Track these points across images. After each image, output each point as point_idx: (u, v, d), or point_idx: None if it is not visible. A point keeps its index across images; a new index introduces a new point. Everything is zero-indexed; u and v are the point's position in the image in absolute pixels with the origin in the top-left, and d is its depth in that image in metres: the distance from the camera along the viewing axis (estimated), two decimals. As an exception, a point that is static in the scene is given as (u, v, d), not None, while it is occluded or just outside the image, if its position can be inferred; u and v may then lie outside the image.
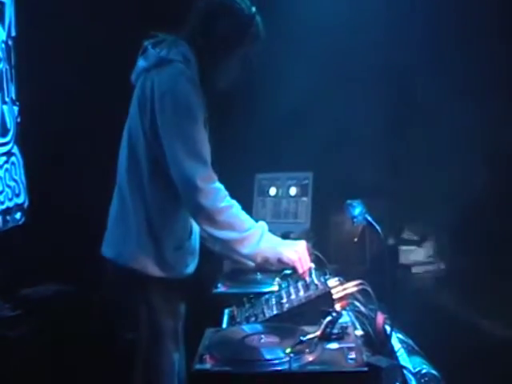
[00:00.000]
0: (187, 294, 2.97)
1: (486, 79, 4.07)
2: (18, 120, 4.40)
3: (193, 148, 2.61)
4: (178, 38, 2.78)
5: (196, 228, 2.88)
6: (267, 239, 2.70)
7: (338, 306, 2.40)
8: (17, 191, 4.31)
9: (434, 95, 4.16)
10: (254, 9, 2.78)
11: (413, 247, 4.19)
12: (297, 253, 2.69)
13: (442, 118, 4.17)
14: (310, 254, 2.91)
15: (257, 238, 2.67)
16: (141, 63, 2.81)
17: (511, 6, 4.03)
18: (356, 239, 2.62)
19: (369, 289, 2.43)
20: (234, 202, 2.69)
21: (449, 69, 4.09)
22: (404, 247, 4.15)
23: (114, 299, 2.84)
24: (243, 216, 2.70)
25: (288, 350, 1.98)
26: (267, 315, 2.43)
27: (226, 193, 2.69)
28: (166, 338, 2.77)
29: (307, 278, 2.64)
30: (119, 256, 2.77)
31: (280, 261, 2.70)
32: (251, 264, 3.03)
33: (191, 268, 2.88)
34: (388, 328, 2.30)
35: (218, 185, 2.67)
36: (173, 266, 2.77)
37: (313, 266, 2.74)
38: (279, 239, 2.76)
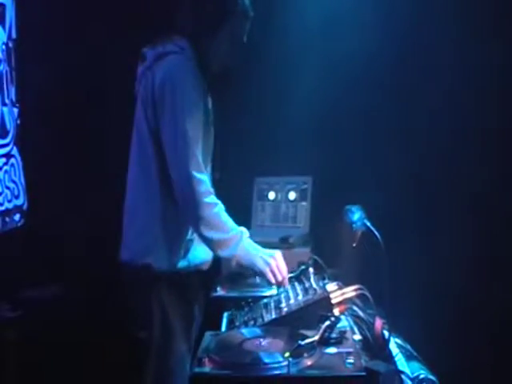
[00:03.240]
0: (201, 296, 2.98)
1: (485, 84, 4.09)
2: (18, 122, 4.40)
3: (185, 138, 2.65)
4: (171, 34, 2.82)
5: None
6: (244, 246, 2.72)
7: (336, 311, 2.41)
8: (16, 193, 4.31)
9: (439, 102, 4.17)
10: None
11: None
12: (269, 265, 2.71)
13: (445, 124, 4.18)
14: (309, 259, 2.92)
15: (234, 243, 2.70)
16: (141, 69, 2.85)
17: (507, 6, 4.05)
18: (355, 244, 2.62)
19: (367, 294, 2.44)
20: (219, 202, 2.72)
21: (454, 78, 4.10)
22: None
23: (128, 298, 2.83)
24: (225, 217, 2.73)
25: (287, 355, 1.99)
26: (266, 319, 2.44)
27: (211, 190, 2.72)
28: (177, 338, 2.77)
29: (287, 287, 2.68)
30: (134, 255, 2.79)
31: (253, 269, 2.73)
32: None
33: (205, 259, 2.88)
34: (386, 333, 2.30)
35: (204, 177, 2.69)
36: (184, 257, 2.78)
37: (311, 270, 2.76)
38: (257, 248, 2.77)
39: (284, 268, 2.74)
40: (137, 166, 2.82)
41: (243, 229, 2.76)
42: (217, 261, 3.19)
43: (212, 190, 2.73)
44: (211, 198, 2.69)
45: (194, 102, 2.69)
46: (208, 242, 2.72)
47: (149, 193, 2.77)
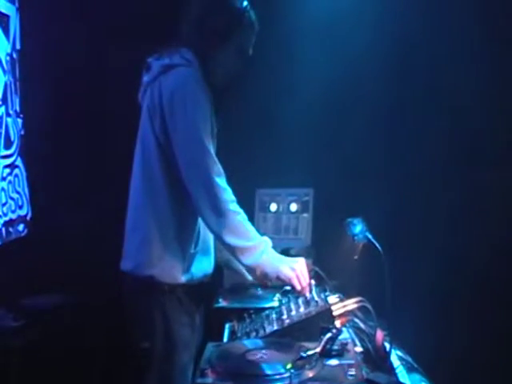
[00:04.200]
0: (202, 306, 2.98)
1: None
2: (22, 132, 4.42)
3: (203, 146, 2.66)
4: (177, 46, 2.82)
5: (207, 235, 2.88)
6: (269, 254, 2.71)
7: (338, 323, 2.42)
8: (20, 203, 4.32)
9: (442, 115, 4.19)
10: (245, 2, 2.82)
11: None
12: (295, 270, 2.69)
13: (449, 137, 4.19)
14: (310, 271, 2.93)
15: (259, 251, 2.69)
16: (145, 78, 2.86)
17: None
18: (356, 257, 2.64)
19: (369, 306, 2.45)
20: (241, 211, 2.73)
21: (452, 88, 4.11)
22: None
23: (131, 308, 2.83)
24: (249, 226, 2.72)
25: (288, 366, 2.00)
26: (268, 330, 2.45)
27: (234, 198, 2.72)
28: (179, 349, 2.77)
29: (307, 294, 2.66)
30: (137, 266, 2.79)
31: (278, 277, 2.71)
32: (249, 277, 3.08)
33: (207, 271, 2.89)
34: (387, 345, 2.31)
35: (226, 184, 2.71)
36: (188, 270, 2.78)
37: (313, 282, 2.77)
38: (280, 256, 2.76)
39: (306, 275, 2.73)
40: (141, 178, 2.82)
41: (266, 238, 2.76)
42: (219, 272, 3.22)
43: (234, 198, 2.73)
44: (235, 206, 2.70)
45: (205, 114, 2.70)
46: (232, 249, 2.70)
47: (154, 205, 2.77)
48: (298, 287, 2.69)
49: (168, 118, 2.70)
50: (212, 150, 2.70)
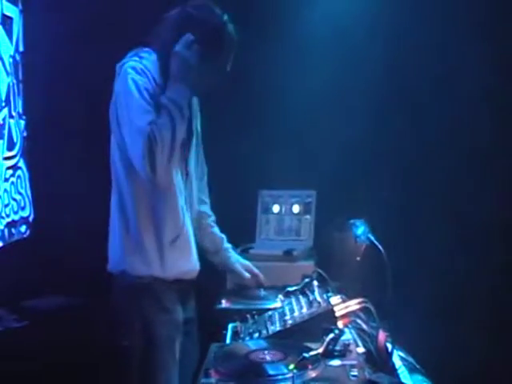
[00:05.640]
0: (189, 302, 2.98)
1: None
2: (25, 134, 4.44)
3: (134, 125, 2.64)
4: (142, 47, 2.85)
5: (190, 231, 2.90)
6: None
7: (340, 324, 2.43)
8: (22, 204, 4.33)
9: (444, 117, 4.20)
10: (225, 17, 2.80)
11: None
12: None
13: (452, 139, 4.20)
14: (313, 272, 2.95)
15: None
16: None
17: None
18: (359, 258, 2.65)
19: (371, 307, 2.45)
20: None
21: (463, 94, 4.13)
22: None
23: (113, 307, 2.87)
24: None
25: (291, 367, 2.00)
26: (270, 331, 2.45)
27: None
28: (160, 347, 2.77)
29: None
30: (112, 263, 2.84)
31: None
32: (247, 275, 3.13)
33: (185, 268, 2.88)
34: (389, 346, 2.32)
35: None
36: (160, 264, 2.78)
37: (316, 283, 2.78)
38: None
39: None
40: (112, 176, 2.89)
41: None
42: (222, 274, 3.24)
43: None
44: None
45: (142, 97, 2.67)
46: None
47: (120, 202, 2.82)
48: None
49: (119, 112, 2.75)
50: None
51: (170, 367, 2.80)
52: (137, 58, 2.78)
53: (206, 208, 3.21)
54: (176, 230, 2.83)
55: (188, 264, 2.90)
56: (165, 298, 2.81)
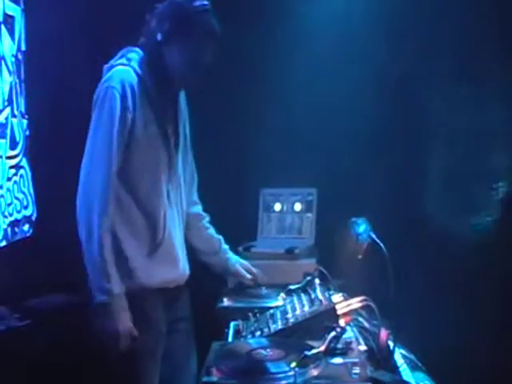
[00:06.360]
0: (178, 302, 2.96)
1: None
2: (27, 133, 4.44)
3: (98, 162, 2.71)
4: (129, 46, 2.85)
5: (175, 238, 2.87)
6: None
7: (342, 322, 2.44)
8: (25, 203, 4.34)
9: (444, 108, 4.20)
10: (204, 5, 2.77)
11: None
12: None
13: (451, 138, 4.21)
14: (315, 270, 2.96)
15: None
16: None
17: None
18: (360, 256, 2.65)
19: (372, 305, 2.46)
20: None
21: (456, 81, 4.13)
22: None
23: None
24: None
25: (293, 365, 2.02)
26: (272, 329, 2.47)
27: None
28: (142, 356, 2.74)
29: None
30: None
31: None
32: (248, 276, 3.16)
33: (169, 277, 2.85)
34: (391, 344, 2.33)
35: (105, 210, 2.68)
36: (143, 273, 2.75)
37: (317, 281, 2.78)
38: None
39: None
40: None
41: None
42: (222, 273, 3.24)
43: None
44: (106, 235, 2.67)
45: (119, 120, 2.68)
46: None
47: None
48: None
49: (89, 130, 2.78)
50: (111, 161, 2.68)
51: (151, 377, 2.78)
52: (125, 61, 2.76)
53: (199, 209, 3.19)
54: (157, 239, 2.80)
55: (173, 272, 2.87)
56: (148, 306, 2.78)
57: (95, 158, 2.70)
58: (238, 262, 3.21)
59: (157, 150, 2.80)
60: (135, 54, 2.80)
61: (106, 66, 2.82)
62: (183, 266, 2.93)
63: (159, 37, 2.74)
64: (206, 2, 2.78)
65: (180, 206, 2.94)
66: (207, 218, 3.20)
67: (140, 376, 2.76)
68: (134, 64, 2.76)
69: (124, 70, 2.74)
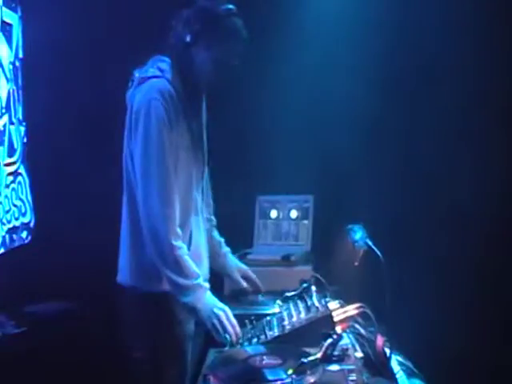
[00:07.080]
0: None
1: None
2: (25, 140, 4.45)
3: (164, 192, 2.65)
4: (159, 55, 2.84)
5: (199, 242, 2.89)
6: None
7: (338, 329, 2.45)
8: (23, 210, 4.35)
9: (441, 110, 4.22)
10: (232, 9, 2.78)
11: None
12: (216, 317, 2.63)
13: (449, 141, 4.22)
14: (311, 277, 2.96)
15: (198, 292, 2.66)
16: (128, 92, 2.85)
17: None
18: (357, 263, 2.66)
19: (369, 312, 2.47)
20: (184, 245, 2.70)
21: (462, 97, 4.14)
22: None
23: (121, 319, 2.83)
24: (189, 261, 2.68)
25: (290, 371, 2.02)
26: (269, 336, 2.47)
27: (179, 231, 2.69)
28: (168, 360, 2.75)
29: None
30: (121, 275, 2.83)
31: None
32: (244, 284, 3.14)
33: None
34: (388, 350, 2.34)
35: (174, 214, 2.67)
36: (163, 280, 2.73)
37: (314, 288, 2.79)
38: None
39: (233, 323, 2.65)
40: (124, 189, 2.84)
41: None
42: (219, 279, 3.24)
43: (179, 231, 2.70)
44: (177, 241, 2.66)
45: (167, 128, 2.68)
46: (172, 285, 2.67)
47: (132, 214, 2.77)
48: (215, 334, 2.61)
49: (133, 131, 2.71)
50: (169, 168, 2.67)
51: (180, 379, 2.79)
52: (158, 72, 2.76)
53: (210, 211, 3.20)
54: (190, 239, 2.82)
55: (201, 272, 2.84)
56: (177, 309, 2.77)
57: (154, 176, 2.66)
58: (236, 267, 3.21)
59: (190, 159, 2.83)
60: (166, 65, 2.80)
61: (140, 75, 2.81)
62: (207, 267, 2.96)
63: (188, 38, 2.75)
64: (232, 7, 2.80)
65: (204, 207, 2.99)
66: (214, 222, 3.21)
67: (164, 379, 2.75)
68: (167, 75, 2.76)
69: (160, 82, 2.74)
